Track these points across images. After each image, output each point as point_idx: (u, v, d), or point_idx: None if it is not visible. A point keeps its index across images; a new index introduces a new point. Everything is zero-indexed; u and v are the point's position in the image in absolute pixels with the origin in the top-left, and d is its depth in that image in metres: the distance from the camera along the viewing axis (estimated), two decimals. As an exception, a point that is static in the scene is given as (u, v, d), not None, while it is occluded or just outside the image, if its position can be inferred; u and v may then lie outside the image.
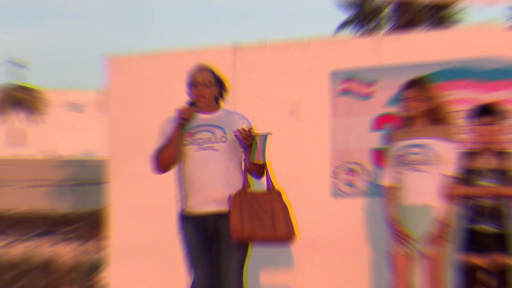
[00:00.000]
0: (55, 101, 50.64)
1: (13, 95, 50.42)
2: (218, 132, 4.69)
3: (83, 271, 13.36)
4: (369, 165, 6.12)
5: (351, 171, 6.17)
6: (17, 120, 49.77)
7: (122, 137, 7.40)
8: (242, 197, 4.65)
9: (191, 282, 4.69)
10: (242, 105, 5.59)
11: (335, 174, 6.21)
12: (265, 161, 4.61)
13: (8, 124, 52.03)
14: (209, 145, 4.66)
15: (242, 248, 4.66)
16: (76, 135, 49.56)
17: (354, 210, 6.16)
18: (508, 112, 4.88)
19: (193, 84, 4.77)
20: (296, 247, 5.41)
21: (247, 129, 4.66)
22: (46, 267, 13.28)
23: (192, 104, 4.69)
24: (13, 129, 49.35)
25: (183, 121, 4.69)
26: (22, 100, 50.51)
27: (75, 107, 53.13)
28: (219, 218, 4.62)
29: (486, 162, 4.73)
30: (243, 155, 4.75)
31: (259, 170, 4.74)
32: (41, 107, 51.21)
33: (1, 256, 11.73)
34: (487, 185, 4.73)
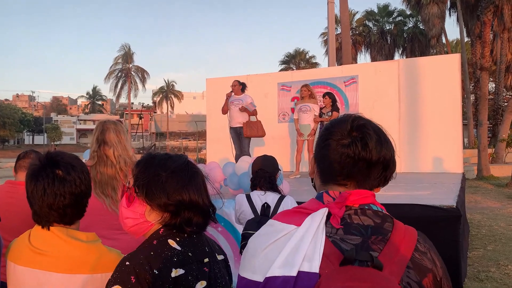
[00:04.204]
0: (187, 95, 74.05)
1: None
2: (240, 101, 7.37)
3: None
4: (290, 113, 9.41)
5: (284, 115, 9.47)
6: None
7: (211, 109, 10.52)
8: (247, 122, 7.32)
9: (234, 153, 7.52)
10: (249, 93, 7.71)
11: (279, 115, 9.51)
12: (251, 112, 7.34)
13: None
14: (237, 105, 7.36)
15: (248, 138, 7.42)
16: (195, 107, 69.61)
17: (285, 127, 9.45)
18: (331, 94, 7.66)
19: (231, 85, 7.49)
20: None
21: (243, 107, 7.23)
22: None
23: (230, 92, 7.49)
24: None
25: (228, 97, 7.48)
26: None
27: (192, 97, 76.82)
28: (240, 128, 7.36)
29: (325, 111, 7.52)
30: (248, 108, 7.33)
31: (253, 114, 7.38)
32: (180, 97, 69.06)
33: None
34: (324, 117, 7.44)
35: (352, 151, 0.99)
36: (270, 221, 1.02)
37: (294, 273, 0.89)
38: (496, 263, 5.21)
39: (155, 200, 1.26)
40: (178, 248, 1.23)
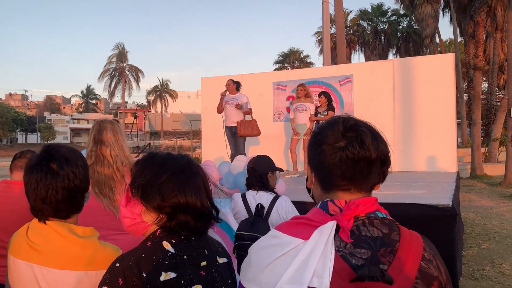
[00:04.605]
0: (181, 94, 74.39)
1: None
2: (235, 101, 7.41)
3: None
4: (285, 112, 9.39)
5: (279, 114, 9.46)
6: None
7: (206, 108, 10.40)
8: (241, 121, 7.34)
9: (230, 152, 7.55)
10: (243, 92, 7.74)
11: (274, 115, 9.49)
12: (247, 112, 7.41)
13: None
14: (232, 105, 7.40)
15: (243, 137, 7.44)
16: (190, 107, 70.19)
17: (280, 126, 9.35)
18: (326, 94, 7.52)
19: (225, 85, 7.51)
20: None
21: (238, 106, 7.27)
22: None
23: (225, 90, 7.52)
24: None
25: (223, 96, 7.51)
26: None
27: (187, 96, 76.18)
28: (235, 127, 7.37)
29: (321, 110, 7.43)
30: (243, 108, 7.40)
31: (248, 113, 7.41)
32: (175, 96, 68.81)
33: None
34: (320, 116, 7.34)
35: (351, 152, 0.97)
36: (275, 232, 0.98)
37: None
38: (491, 261, 5.24)
39: (150, 202, 1.24)
40: (172, 250, 1.20)
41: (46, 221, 1.46)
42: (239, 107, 7.29)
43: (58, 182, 1.44)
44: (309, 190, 1.14)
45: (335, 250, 0.91)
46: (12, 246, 1.51)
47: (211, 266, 1.26)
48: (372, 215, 0.98)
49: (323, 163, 1.01)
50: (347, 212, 0.96)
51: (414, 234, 0.99)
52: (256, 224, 2.83)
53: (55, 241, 1.43)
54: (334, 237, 0.93)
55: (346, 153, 0.97)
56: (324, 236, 0.92)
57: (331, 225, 0.94)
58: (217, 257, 1.30)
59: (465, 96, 27.62)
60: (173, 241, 1.22)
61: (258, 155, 3.18)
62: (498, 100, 27.83)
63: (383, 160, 1.00)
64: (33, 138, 70.30)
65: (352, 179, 0.99)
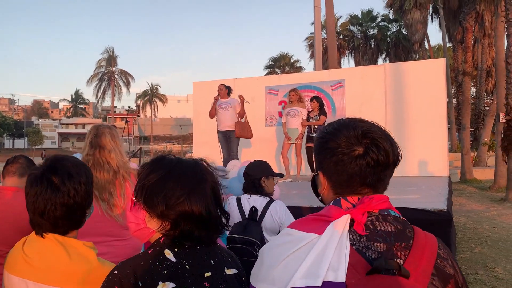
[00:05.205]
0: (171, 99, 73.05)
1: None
2: (228, 105, 7.43)
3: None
4: (277, 116, 9.43)
5: (271, 119, 9.52)
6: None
7: (198, 112, 11.86)
8: (238, 122, 7.34)
9: (223, 157, 7.50)
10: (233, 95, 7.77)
11: (266, 119, 9.48)
12: (244, 112, 7.38)
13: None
14: (225, 109, 7.44)
15: (236, 142, 7.44)
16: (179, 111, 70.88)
17: (272, 131, 9.44)
18: (318, 98, 7.62)
19: (217, 89, 7.55)
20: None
21: (241, 97, 7.30)
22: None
23: (218, 95, 7.54)
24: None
25: (216, 100, 7.51)
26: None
27: (179, 101, 76.40)
28: (229, 132, 7.39)
29: (313, 114, 7.46)
30: (237, 110, 7.41)
31: (241, 115, 7.40)
32: (164, 100, 66.91)
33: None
34: (312, 121, 7.42)
35: (371, 159, 0.97)
36: (288, 230, 0.97)
37: (319, 284, 0.86)
38: (484, 265, 5.26)
39: (153, 208, 1.18)
40: (173, 259, 1.15)
41: (44, 235, 1.41)
42: (242, 98, 7.34)
43: (58, 198, 1.38)
44: (317, 194, 1.12)
45: (350, 243, 0.90)
46: (8, 261, 1.46)
47: (217, 277, 1.20)
48: (385, 212, 0.98)
49: (341, 172, 1.00)
50: (361, 206, 0.96)
51: (428, 233, 1.00)
52: (249, 227, 2.83)
53: (50, 256, 1.38)
54: (349, 231, 0.92)
55: (366, 160, 0.97)
56: (338, 230, 0.91)
57: (345, 219, 0.93)
58: (225, 268, 1.23)
59: (454, 101, 27.93)
60: (176, 250, 1.17)
61: (254, 160, 3.17)
62: (486, 105, 28.17)
63: (396, 162, 1.02)
64: (20, 143, 69.44)
65: (371, 184, 0.99)
